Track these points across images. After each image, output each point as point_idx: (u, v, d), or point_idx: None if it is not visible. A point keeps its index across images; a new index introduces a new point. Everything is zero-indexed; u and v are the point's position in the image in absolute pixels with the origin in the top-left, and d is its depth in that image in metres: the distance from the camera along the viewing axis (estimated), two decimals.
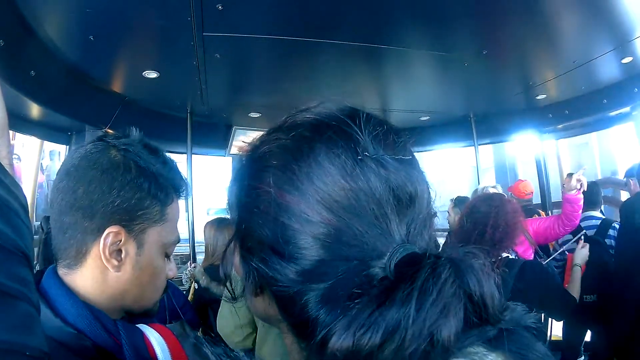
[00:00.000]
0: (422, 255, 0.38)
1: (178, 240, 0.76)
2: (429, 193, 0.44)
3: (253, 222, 0.43)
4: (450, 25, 2.22)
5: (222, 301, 1.88)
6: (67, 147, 3.04)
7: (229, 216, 0.49)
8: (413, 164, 0.44)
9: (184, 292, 2.84)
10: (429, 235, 0.43)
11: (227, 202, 0.49)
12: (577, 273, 2.29)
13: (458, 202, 3.23)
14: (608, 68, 2.95)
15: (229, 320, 1.84)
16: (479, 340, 0.37)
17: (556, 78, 3.03)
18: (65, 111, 2.73)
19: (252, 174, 0.44)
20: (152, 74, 2.59)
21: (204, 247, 2.74)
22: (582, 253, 2.38)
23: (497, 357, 0.37)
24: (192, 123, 3.44)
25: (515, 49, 2.59)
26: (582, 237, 2.52)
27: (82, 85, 2.69)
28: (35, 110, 2.64)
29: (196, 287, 2.70)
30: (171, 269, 0.76)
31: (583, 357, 3.17)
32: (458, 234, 2.00)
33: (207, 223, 2.76)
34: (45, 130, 2.98)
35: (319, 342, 0.37)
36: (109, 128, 2.90)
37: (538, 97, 3.43)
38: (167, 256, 0.75)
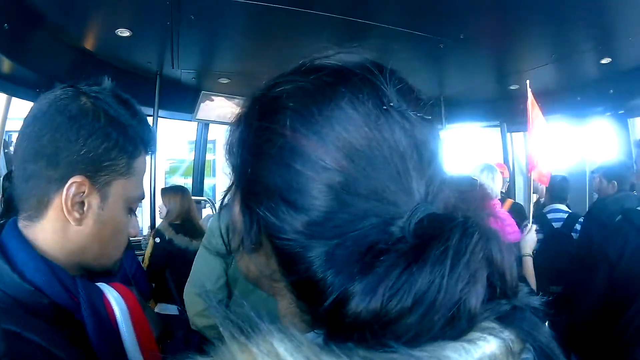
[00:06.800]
0: (444, 216, 0.36)
1: (143, 197, 0.73)
2: (443, 159, 0.42)
3: (261, 167, 0.39)
4: (430, 5, 2.21)
5: (198, 253, 1.75)
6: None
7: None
8: (433, 125, 0.41)
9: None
10: (444, 202, 0.39)
11: (226, 144, 0.43)
12: (529, 263, 2.12)
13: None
14: (586, 67, 3.00)
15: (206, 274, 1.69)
16: (492, 315, 0.36)
17: (532, 70, 3.06)
18: (36, 67, 2.63)
19: (263, 115, 0.40)
20: (125, 32, 2.53)
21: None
22: (529, 240, 2.15)
23: (510, 334, 0.35)
24: (160, 85, 3.37)
25: (494, 37, 2.60)
26: (527, 225, 2.26)
27: (54, 41, 2.61)
28: (5, 64, 2.53)
29: (156, 242, 2.69)
30: (134, 227, 0.74)
31: None
32: None
33: (162, 189, 3.01)
34: (13, 85, 2.89)
35: (330, 305, 0.34)
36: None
37: (511, 87, 3.47)
38: (131, 212, 0.71)
